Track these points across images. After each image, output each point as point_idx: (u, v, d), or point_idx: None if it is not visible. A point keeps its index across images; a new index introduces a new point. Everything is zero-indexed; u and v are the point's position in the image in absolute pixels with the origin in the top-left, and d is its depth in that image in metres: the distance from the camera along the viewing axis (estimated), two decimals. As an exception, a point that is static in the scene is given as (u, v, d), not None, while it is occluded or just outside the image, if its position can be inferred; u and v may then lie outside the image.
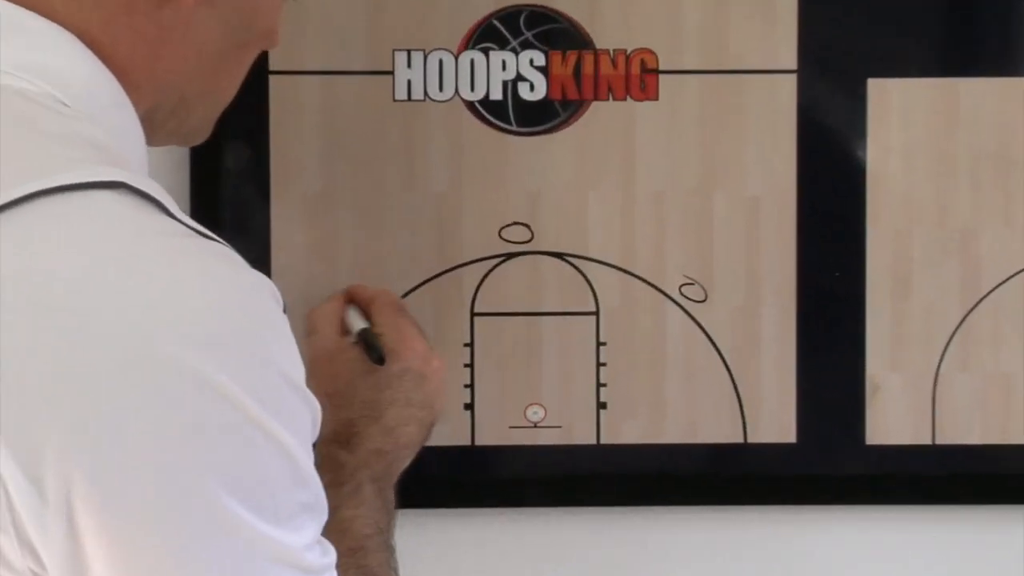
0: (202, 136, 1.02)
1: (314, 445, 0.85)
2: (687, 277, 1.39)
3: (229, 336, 0.78)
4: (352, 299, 1.25)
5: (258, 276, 0.83)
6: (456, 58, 1.36)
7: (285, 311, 0.83)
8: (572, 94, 1.37)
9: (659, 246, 1.38)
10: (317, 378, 1.07)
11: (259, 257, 1.35)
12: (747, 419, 1.39)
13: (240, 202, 1.36)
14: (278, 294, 0.83)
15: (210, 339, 0.78)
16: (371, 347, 1.19)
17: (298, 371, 0.83)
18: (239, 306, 0.80)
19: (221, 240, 0.83)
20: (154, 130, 0.95)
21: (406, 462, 1.19)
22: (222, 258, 0.82)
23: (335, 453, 1.15)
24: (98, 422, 0.75)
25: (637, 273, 1.39)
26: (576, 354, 1.39)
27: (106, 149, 0.84)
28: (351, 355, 1.20)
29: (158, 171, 0.94)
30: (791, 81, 1.37)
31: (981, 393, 1.39)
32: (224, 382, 0.77)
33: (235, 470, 0.78)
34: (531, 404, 1.39)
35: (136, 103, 0.91)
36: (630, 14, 1.35)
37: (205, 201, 1.35)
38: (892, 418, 1.40)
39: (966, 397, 1.39)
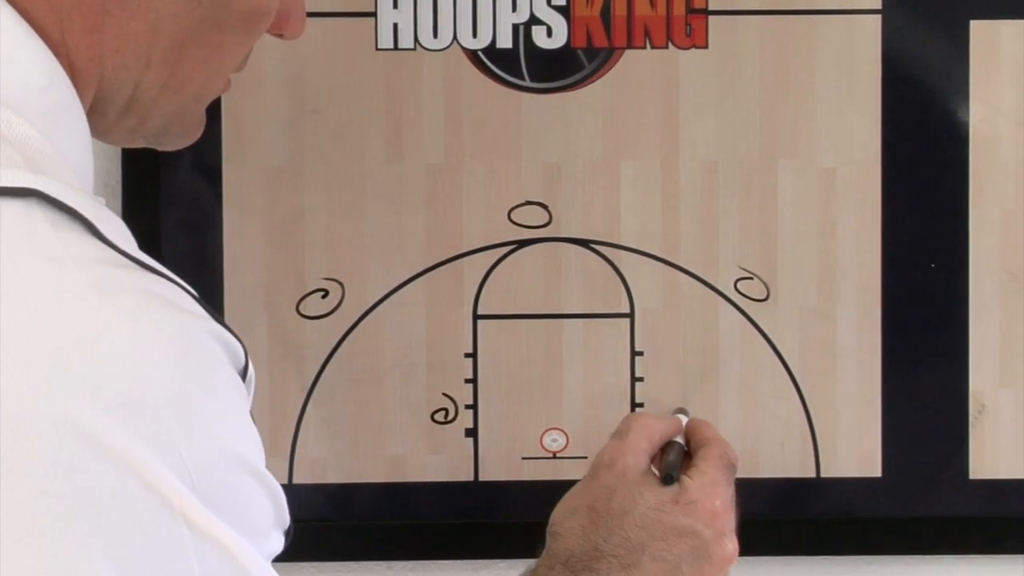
0: (181, 139, 0.99)
1: (285, 538, 0.84)
2: (744, 270, 1.34)
3: (149, 397, 0.75)
4: (690, 433, 1.25)
5: (211, 326, 0.80)
6: (455, -5, 1.35)
7: (246, 373, 0.81)
8: (600, 40, 1.33)
9: (709, 231, 1.34)
10: (590, 484, 1.15)
11: (206, 248, 1.32)
12: (820, 448, 1.36)
13: (183, 179, 1.32)
14: (239, 352, 0.81)
15: (119, 399, 0.74)
16: (668, 465, 1.18)
17: (250, 446, 0.80)
18: (170, 360, 0.76)
19: (171, 276, 0.80)
20: (107, 129, 0.92)
21: None
22: (159, 299, 0.78)
23: None
24: None
25: (682, 265, 1.35)
26: (606, 366, 1.35)
27: (25, 146, 0.81)
28: (643, 479, 1.18)
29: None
30: (874, 23, 1.34)
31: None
32: (137, 454, 0.73)
33: (142, 572, 0.74)
34: (549, 429, 1.35)
35: (79, 92, 0.87)
36: (672, -60, 1.36)
37: (139, 179, 1.31)
38: (1002, 447, 1.36)
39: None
